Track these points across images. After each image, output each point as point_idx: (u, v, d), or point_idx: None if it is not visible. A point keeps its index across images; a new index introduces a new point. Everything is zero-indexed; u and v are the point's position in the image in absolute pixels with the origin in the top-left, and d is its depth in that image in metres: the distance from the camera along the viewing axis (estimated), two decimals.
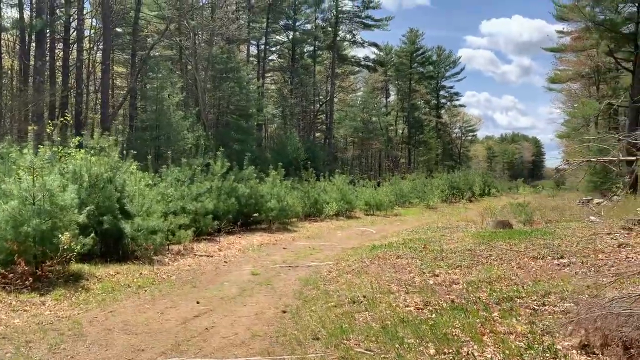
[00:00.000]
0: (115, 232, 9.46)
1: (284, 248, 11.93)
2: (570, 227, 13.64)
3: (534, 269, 7.39)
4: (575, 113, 34.06)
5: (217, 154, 14.14)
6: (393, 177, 30.27)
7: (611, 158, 19.98)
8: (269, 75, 49.85)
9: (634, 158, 19.34)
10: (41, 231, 7.31)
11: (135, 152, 11.14)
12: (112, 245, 9.58)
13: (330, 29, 47.31)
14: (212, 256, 10.60)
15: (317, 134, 51.74)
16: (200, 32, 31.97)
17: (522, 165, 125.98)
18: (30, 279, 7.24)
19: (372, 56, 55.02)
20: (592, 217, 16.01)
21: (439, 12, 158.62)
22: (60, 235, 7.50)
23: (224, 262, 10.10)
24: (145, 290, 7.45)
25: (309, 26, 47.51)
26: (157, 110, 26.46)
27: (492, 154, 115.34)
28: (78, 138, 10.26)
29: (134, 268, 8.92)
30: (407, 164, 63.31)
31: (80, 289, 7.28)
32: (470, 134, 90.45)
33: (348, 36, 49.70)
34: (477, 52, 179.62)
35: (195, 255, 10.58)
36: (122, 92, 37.43)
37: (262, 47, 46.43)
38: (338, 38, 47.97)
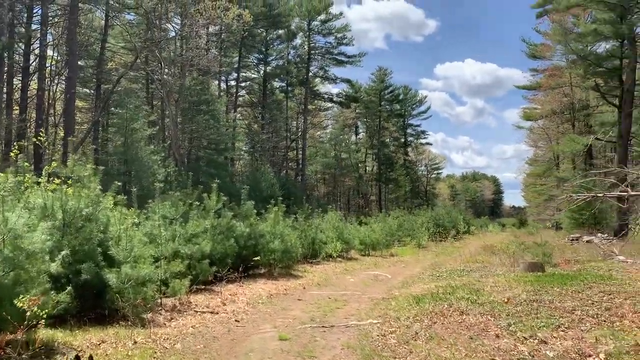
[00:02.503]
0: (96, 284, 7.30)
1: (299, 299, 9.86)
2: (606, 269, 12.20)
3: None
4: (562, 149, 33.52)
5: (194, 190, 12.02)
6: (380, 215, 28.63)
7: (620, 193, 18.87)
8: (239, 110, 48.17)
9: None
10: None
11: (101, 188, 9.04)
12: (91, 302, 7.38)
13: (303, 65, 46.28)
14: (217, 313, 8.45)
15: (289, 171, 49.96)
16: (170, 64, 30.10)
17: (484, 203, 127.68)
18: None
19: (345, 92, 54.09)
20: (620, 257, 14.66)
21: (396, 56, 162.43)
22: (26, 293, 5.37)
23: (235, 320, 7.98)
24: None
25: (281, 62, 46.37)
26: (125, 144, 24.19)
27: (455, 192, 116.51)
28: (53, 164, 8.09)
29: (123, 333, 6.73)
30: (378, 201, 62.09)
31: None
32: (436, 172, 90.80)
33: (320, 72, 48.77)
34: (433, 94, 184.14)
35: (196, 312, 8.41)
36: (82, 127, 34.70)
37: (233, 82, 44.99)
38: (310, 74, 46.97)
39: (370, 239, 19.54)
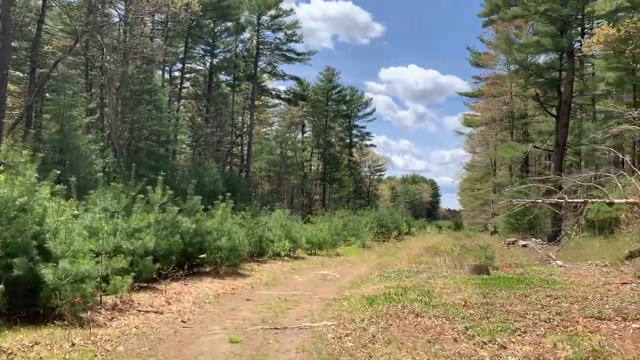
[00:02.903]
0: (30, 281, 6.72)
1: (247, 299, 9.51)
2: (547, 273, 12.60)
3: (625, 338, 5.76)
4: (502, 155, 34.66)
5: (136, 182, 11.39)
6: (326, 214, 28.56)
7: (557, 200, 19.60)
8: (182, 103, 46.80)
9: (581, 200, 19.10)
10: None
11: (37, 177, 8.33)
12: (24, 299, 6.78)
13: (251, 59, 45.54)
14: (161, 312, 7.98)
15: (233, 167, 49.07)
16: (112, 51, 28.75)
17: (422, 206, 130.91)
18: None
19: (293, 90, 53.69)
20: (558, 262, 15.20)
21: (343, 57, 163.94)
22: None
23: (182, 321, 7.55)
24: None
25: (228, 55, 45.42)
26: (61, 131, 22.81)
27: (396, 193, 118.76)
28: None
29: (59, 333, 6.20)
30: (322, 201, 62.16)
31: None
32: (378, 173, 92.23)
33: (269, 68, 48.17)
34: (377, 97, 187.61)
35: (139, 311, 7.90)
36: (13, 112, 32.54)
37: (178, 73, 43.67)
38: (258, 69, 46.31)
39: (317, 238, 19.37)
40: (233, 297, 9.69)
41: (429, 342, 5.93)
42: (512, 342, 5.72)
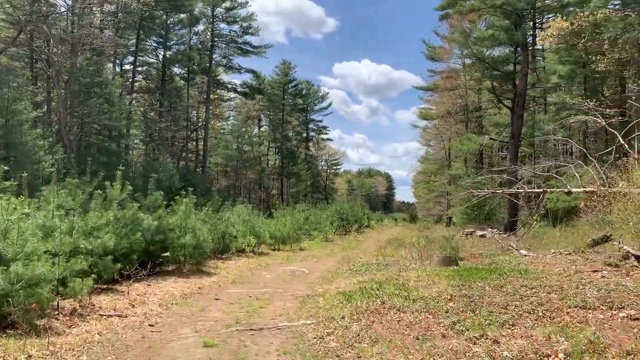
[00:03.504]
0: None
1: (216, 299, 9.05)
2: (515, 262, 12.66)
3: (615, 327, 5.67)
4: (460, 147, 35.12)
5: (92, 177, 10.75)
6: (287, 208, 28.18)
7: (517, 190, 19.91)
8: (135, 97, 45.19)
9: (540, 190, 19.48)
10: None
11: None
12: None
13: (205, 52, 44.43)
14: (125, 316, 7.44)
15: (189, 162, 47.85)
16: (59, 42, 27.29)
17: (377, 199, 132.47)
18: None
19: (249, 84, 52.73)
20: (522, 251, 15.36)
21: (297, 51, 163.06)
22: None
23: (149, 325, 7.05)
24: None
25: (182, 47, 44.10)
26: (5, 126, 21.46)
27: (352, 187, 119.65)
28: None
29: (13, 344, 5.62)
30: (280, 195, 61.65)
31: None
32: (335, 167, 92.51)
33: (224, 61, 47.13)
34: (331, 92, 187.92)
35: (102, 315, 7.34)
36: None
37: (129, 66, 42.09)
38: (213, 62, 45.26)
39: (280, 233, 18.98)
40: (201, 297, 9.21)
41: (418, 339, 5.68)
42: (503, 336, 5.54)
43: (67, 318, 7.09)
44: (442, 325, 6.13)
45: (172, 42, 43.45)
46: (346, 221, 31.11)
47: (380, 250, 17.75)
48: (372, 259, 15.27)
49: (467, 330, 5.77)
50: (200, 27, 44.81)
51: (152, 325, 7.03)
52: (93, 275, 7.86)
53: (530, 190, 19.64)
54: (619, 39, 22.81)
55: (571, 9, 26.38)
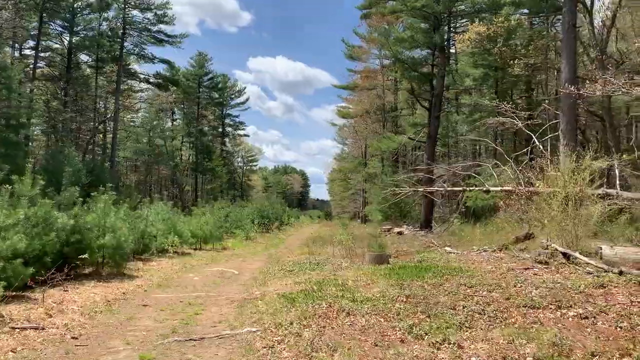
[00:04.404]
0: None
1: (144, 305, 8.28)
2: (444, 260, 12.86)
3: (569, 327, 5.70)
4: (380, 146, 35.69)
5: None
6: (207, 205, 27.12)
7: (438, 189, 20.43)
8: (36, 84, 41.66)
9: (459, 189, 20.12)
10: None
11: None
12: None
13: (116, 39, 41.88)
14: (43, 328, 6.54)
15: (95, 156, 44.95)
16: None
17: (293, 196, 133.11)
18: None
19: (162, 75, 50.36)
20: (447, 248, 15.72)
21: (211, 44, 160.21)
22: None
23: (73, 338, 6.24)
24: None
25: (90, 34, 41.21)
26: None
27: (268, 184, 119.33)
28: None
29: None
30: (194, 192, 59.72)
31: None
32: (252, 164, 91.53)
33: (136, 49, 44.70)
34: (246, 87, 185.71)
35: (14, 328, 6.38)
36: None
37: (31, 51, 38.64)
38: (125, 50, 42.79)
39: (203, 231, 18.12)
40: (126, 303, 8.39)
41: (377, 345, 5.40)
42: (464, 339, 5.40)
43: None
44: (397, 329, 5.90)
45: (79, 28, 40.48)
46: (267, 219, 30.60)
47: (309, 249, 17.44)
48: (301, 258, 14.95)
49: (426, 334, 5.58)
50: (111, 13, 42.20)
51: (75, 338, 6.22)
52: (2, 282, 6.88)
53: (450, 188, 20.26)
54: (530, 45, 24.20)
55: (484, 14, 27.60)
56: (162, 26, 44.24)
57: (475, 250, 14.05)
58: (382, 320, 6.37)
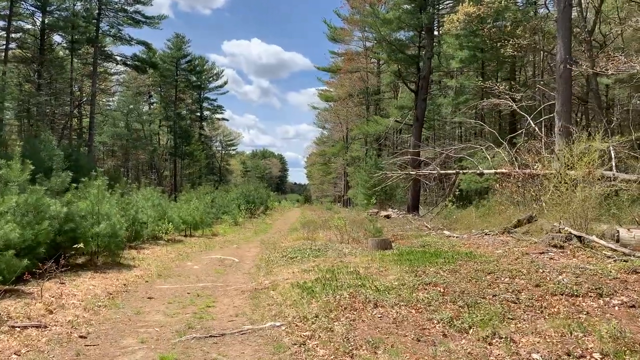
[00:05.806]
0: None
1: (149, 297, 7.82)
2: (448, 244, 12.61)
3: (619, 317, 5.43)
4: (367, 129, 35.32)
5: None
6: (192, 191, 26.50)
7: (430, 172, 20.20)
8: (9, 67, 39.97)
9: (453, 172, 19.90)
10: None
11: None
12: None
13: (92, 20, 40.38)
14: (45, 326, 6.04)
15: (72, 141, 43.61)
16: None
17: (272, 180, 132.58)
18: None
19: (139, 57, 48.91)
20: (446, 232, 15.53)
21: (185, 27, 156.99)
22: None
23: (80, 337, 5.76)
24: None
25: (65, 14, 39.61)
26: None
27: (246, 168, 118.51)
28: None
29: None
30: (173, 177, 58.65)
31: None
32: (230, 148, 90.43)
33: (113, 31, 43.23)
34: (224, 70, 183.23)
35: (13, 327, 5.87)
36: None
37: (1, 32, 36.99)
38: (101, 32, 41.33)
39: (193, 217, 17.57)
40: (130, 296, 7.92)
41: (419, 340, 5.08)
42: (513, 332, 5.09)
43: None
44: (435, 321, 5.58)
45: (52, 7, 38.88)
46: (252, 204, 30.10)
47: (303, 234, 17.04)
48: (298, 244, 14.55)
49: (470, 327, 5.27)
50: None
51: (84, 337, 5.75)
52: None
53: (444, 171, 20.05)
54: (519, 26, 23.97)
55: None
56: (139, 6, 42.83)
57: (475, 234, 13.86)
58: (413, 311, 6.04)
